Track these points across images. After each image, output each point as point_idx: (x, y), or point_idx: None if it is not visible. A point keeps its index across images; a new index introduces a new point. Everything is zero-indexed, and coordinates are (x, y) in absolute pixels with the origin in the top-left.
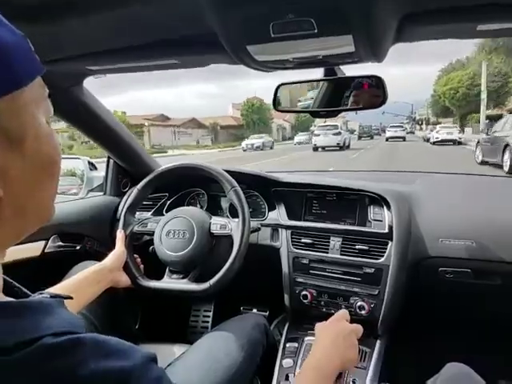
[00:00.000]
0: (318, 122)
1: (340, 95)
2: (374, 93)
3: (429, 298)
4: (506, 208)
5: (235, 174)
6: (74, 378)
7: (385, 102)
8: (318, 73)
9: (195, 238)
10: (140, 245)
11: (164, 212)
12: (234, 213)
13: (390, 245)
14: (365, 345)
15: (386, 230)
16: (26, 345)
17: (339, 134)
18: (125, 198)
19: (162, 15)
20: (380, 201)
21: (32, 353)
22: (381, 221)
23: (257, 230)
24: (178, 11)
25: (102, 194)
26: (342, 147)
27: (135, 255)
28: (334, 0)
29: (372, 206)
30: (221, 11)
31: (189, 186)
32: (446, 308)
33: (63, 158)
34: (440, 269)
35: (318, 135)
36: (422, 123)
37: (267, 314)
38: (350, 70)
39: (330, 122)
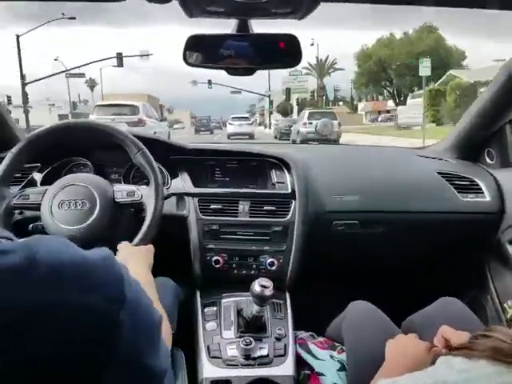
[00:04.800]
0: None
1: (256, 52)
2: (289, 52)
3: (326, 250)
4: (387, 168)
5: None
6: None
7: (299, 62)
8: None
9: (98, 207)
10: (14, 223)
11: (39, 186)
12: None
13: (293, 203)
14: (277, 298)
15: (289, 191)
16: None
17: None
18: None
19: None
20: (280, 165)
21: None
22: (283, 183)
23: (168, 196)
24: None
25: None
26: None
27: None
28: None
29: (274, 170)
30: None
31: (66, 154)
32: (342, 258)
33: None
34: (334, 222)
35: None
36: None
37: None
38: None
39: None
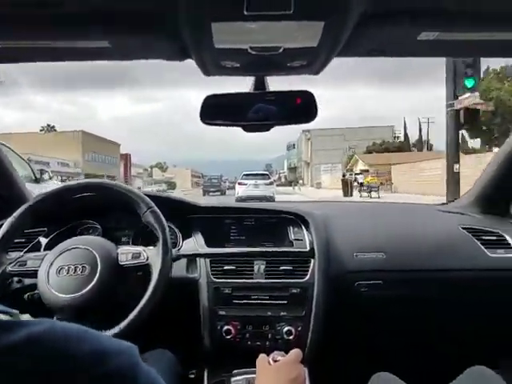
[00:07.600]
0: None
1: (273, 109)
2: (305, 108)
3: (349, 315)
4: (409, 224)
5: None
6: None
7: (315, 118)
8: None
9: (98, 272)
10: (13, 292)
11: (42, 251)
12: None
13: (312, 262)
14: None
15: (308, 249)
16: None
17: None
18: None
19: None
20: (297, 221)
21: None
22: (301, 240)
23: (177, 258)
24: None
25: None
26: None
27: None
28: None
29: (291, 227)
30: None
31: (75, 216)
32: (365, 325)
33: None
34: (356, 283)
35: None
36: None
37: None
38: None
39: None
